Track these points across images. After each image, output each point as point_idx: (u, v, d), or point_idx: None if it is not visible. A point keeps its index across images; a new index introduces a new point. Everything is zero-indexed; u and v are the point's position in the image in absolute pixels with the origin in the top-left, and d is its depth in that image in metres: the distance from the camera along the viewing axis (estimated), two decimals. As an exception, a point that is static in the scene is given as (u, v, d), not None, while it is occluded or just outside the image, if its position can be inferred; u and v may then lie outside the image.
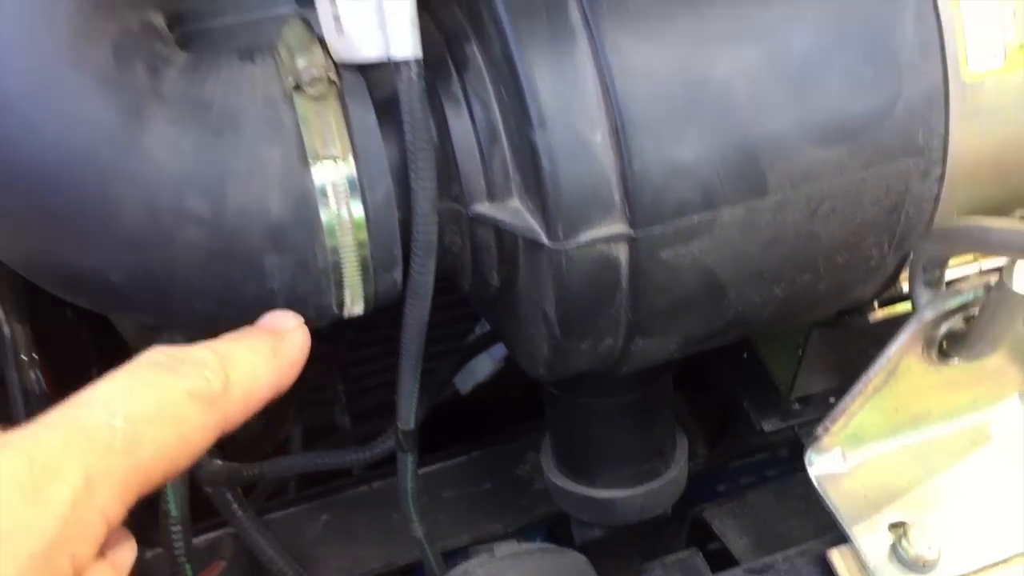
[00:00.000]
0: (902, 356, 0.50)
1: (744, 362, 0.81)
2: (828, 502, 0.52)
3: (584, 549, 0.93)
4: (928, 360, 0.52)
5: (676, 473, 0.75)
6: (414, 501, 0.75)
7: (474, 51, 0.54)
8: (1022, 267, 0.45)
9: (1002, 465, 0.54)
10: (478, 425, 0.98)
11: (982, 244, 0.48)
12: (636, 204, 0.50)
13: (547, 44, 0.49)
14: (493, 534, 0.91)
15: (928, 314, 0.49)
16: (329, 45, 0.54)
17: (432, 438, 1.02)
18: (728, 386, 0.85)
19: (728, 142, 0.50)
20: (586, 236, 0.51)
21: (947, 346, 0.51)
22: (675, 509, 0.79)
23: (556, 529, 0.96)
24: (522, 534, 0.96)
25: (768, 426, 0.82)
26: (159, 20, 0.54)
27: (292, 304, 0.55)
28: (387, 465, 0.96)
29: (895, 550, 0.50)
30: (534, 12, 0.49)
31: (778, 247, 0.54)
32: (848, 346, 0.69)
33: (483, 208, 0.55)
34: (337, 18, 0.53)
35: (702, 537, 0.69)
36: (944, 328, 0.51)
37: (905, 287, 0.59)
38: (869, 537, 0.51)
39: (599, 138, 0.49)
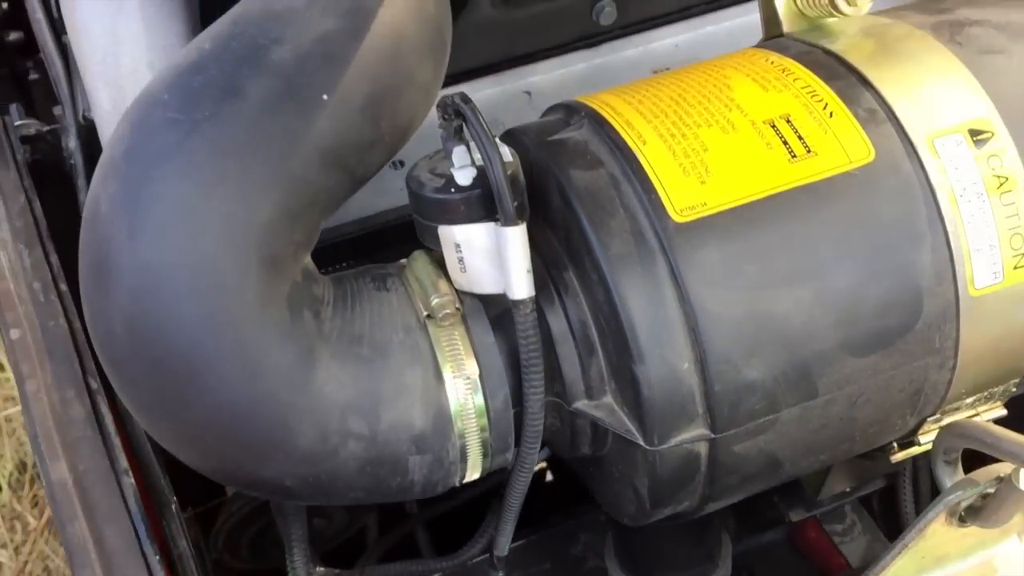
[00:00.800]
0: (929, 526, 0.63)
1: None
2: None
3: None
4: (950, 525, 0.64)
5: (723, 571, 0.88)
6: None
7: (571, 278, 0.66)
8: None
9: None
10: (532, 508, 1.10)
11: (992, 448, 0.60)
12: (716, 415, 0.62)
13: (642, 292, 0.61)
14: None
15: (952, 499, 0.62)
16: (453, 278, 0.66)
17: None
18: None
19: (787, 362, 0.62)
20: (675, 440, 0.63)
21: (966, 515, 0.64)
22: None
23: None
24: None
25: (795, 516, 0.95)
26: (310, 261, 0.65)
27: (426, 488, 0.67)
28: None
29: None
30: (629, 265, 0.61)
31: (825, 431, 0.66)
32: (872, 464, 0.82)
33: (582, 405, 0.67)
34: (461, 260, 0.64)
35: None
36: (964, 504, 0.63)
37: (920, 438, 0.72)
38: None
39: (686, 366, 0.61)
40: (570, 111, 0.70)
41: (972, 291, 0.64)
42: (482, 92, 1.01)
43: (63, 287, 0.80)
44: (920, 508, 0.97)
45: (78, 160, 0.87)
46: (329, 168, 0.62)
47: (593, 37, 1.02)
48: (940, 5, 0.73)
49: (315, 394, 0.61)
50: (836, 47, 0.69)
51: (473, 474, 0.69)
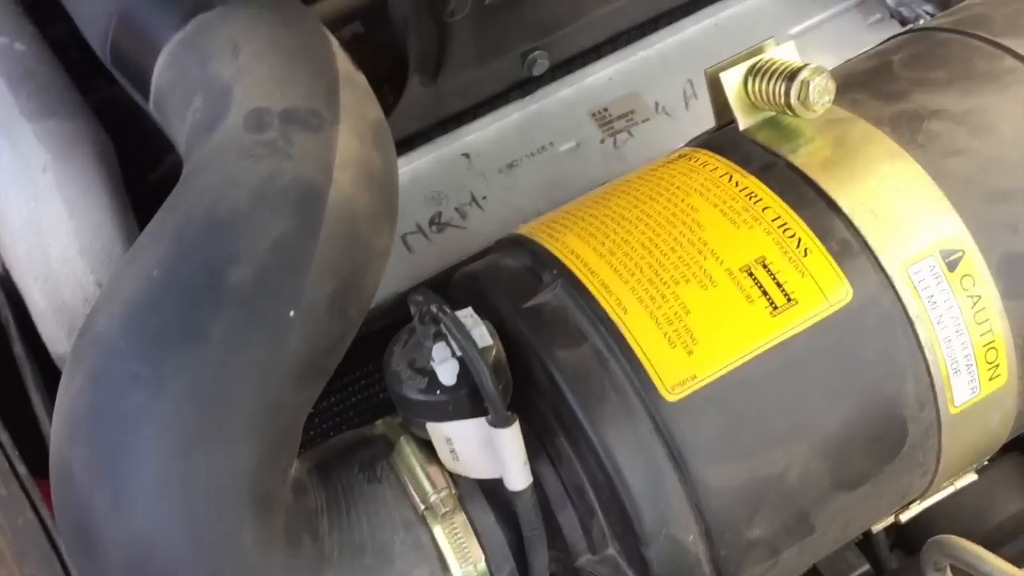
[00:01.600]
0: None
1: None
2: None
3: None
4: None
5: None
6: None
7: (563, 444, 0.65)
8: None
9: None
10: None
11: (972, 568, 0.63)
12: (722, 574, 0.63)
13: (644, 476, 0.60)
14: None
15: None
16: (443, 461, 0.65)
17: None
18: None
19: (787, 513, 0.63)
20: (680, 607, 0.64)
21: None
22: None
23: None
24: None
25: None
26: (296, 468, 0.63)
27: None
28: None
29: None
30: (627, 450, 0.60)
31: (820, 552, 0.68)
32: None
33: (586, 560, 0.67)
34: (453, 452, 0.63)
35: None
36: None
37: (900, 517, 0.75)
38: None
39: (691, 538, 0.62)
40: (538, 261, 0.68)
41: (952, 409, 0.66)
42: (419, 161, 0.97)
43: (21, 469, 0.76)
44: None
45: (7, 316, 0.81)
46: (306, 382, 0.59)
47: (526, 86, 0.98)
48: (894, 86, 0.72)
49: None
50: (798, 159, 0.68)
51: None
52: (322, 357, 0.60)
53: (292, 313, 0.57)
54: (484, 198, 0.99)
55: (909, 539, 0.94)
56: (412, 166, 0.96)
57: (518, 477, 0.61)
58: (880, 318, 0.64)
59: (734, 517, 0.62)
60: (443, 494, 0.63)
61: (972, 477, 0.76)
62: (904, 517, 0.74)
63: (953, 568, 0.68)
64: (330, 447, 0.69)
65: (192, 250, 0.57)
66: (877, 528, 0.75)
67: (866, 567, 0.91)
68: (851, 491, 0.65)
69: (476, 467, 0.63)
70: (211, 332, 0.56)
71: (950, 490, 0.76)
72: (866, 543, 0.94)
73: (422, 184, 0.98)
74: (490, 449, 0.62)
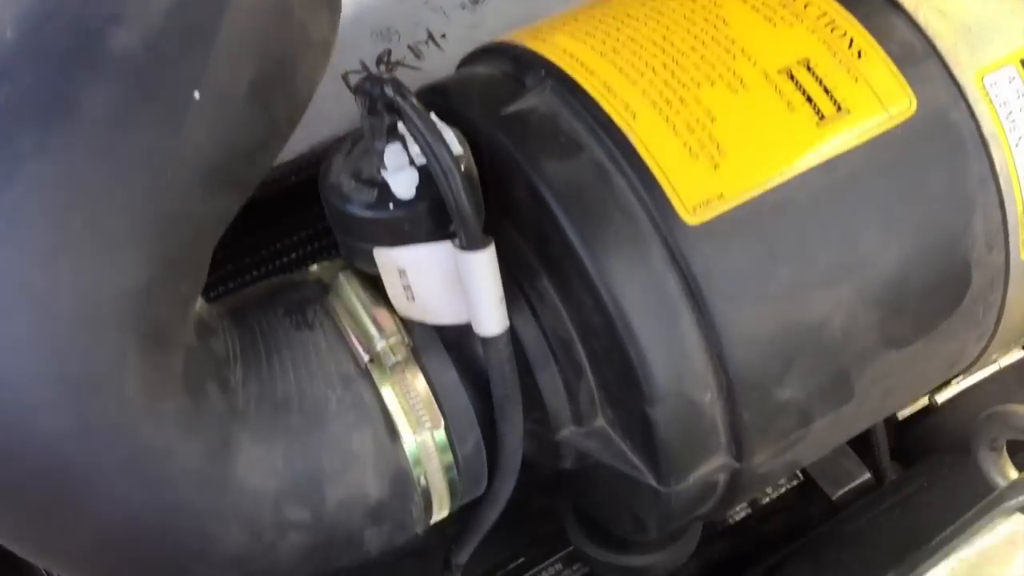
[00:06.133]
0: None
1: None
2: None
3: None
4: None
5: (695, 526, 0.80)
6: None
7: (547, 287, 0.52)
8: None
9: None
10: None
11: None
12: (743, 443, 0.51)
13: (654, 321, 0.47)
14: (503, 563, 0.95)
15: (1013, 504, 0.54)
16: (396, 306, 0.51)
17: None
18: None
19: (825, 371, 0.51)
20: (694, 477, 0.52)
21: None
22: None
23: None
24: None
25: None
26: (201, 304, 0.49)
27: (383, 550, 0.55)
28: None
29: None
30: (633, 287, 0.47)
31: (854, 427, 0.56)
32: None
33: (569, 433, 0.54)
34: (408, 288, 0.49)
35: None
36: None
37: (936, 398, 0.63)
38: None
39: (708, 397, 0.49)
40: (520, 64, 0.53)
41: (1023, 254, 0.54)
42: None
43: None
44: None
45: None
46: (214, 189, 0.45)
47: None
48: None
49: (238, 490, 0.47)
50: (845, -52, 0.54)
51: (439, 517, 0.56)
52: (239, 161, 0.46)
53: (197, 95, 0.43)
54: (443, 36, 0.83)
55: (908, 451, 0.83)
56: (363, -4, 0.81)
57: (491, 318, 0.48)
58: (948, 136, 0.51)
59: (763, 373, 0.49)
60: (392, 340, 0.50)
61: (1019, 353, 0.64)
62: (940, 398, 0.63)
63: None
64: (247, 293, 0.54)
65: (60, 5, 0.42)
66: (907, 412, 0.63)
67: (867, 476, 0.80)
68: (900, 349, 0.53)
69: (437, 308, 0.50)
70: (83, 106, 0.41)
71: (993, 368, 0.64)
72: (865, 450, 0.83)
73: (370, 17, 0.82)
74: (456, 283, 0.48)
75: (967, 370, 0.60)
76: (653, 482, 0.52)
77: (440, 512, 0.55)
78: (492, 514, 0.58)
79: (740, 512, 0.86)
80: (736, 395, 0.49)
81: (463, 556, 0.67)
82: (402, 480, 0.51)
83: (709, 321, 0.47)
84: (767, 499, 0.87)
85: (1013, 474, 0.55)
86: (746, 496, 0.55)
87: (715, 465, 0.52)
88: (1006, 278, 0.54)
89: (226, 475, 0.46)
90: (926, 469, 0.75)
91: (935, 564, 0.57)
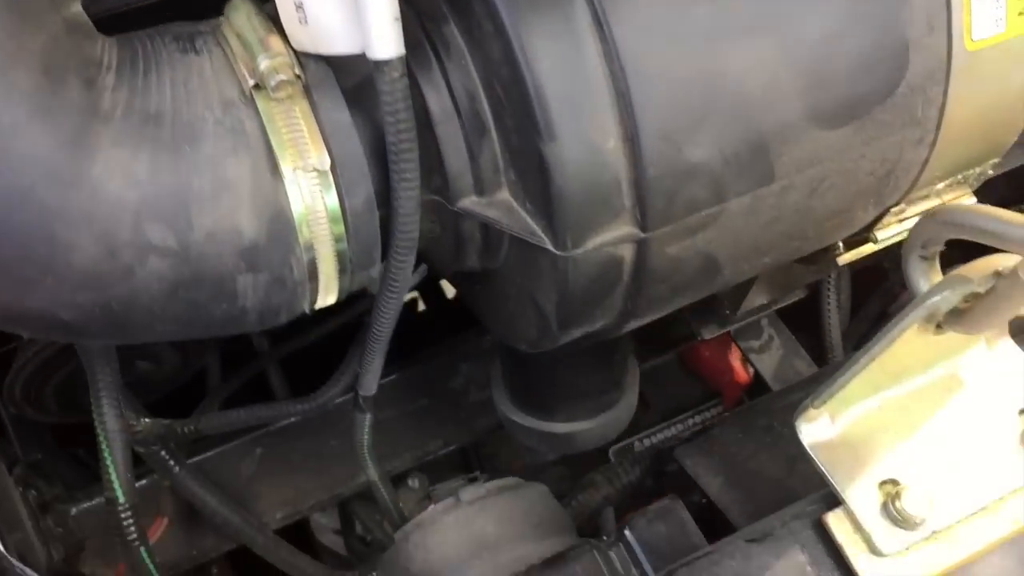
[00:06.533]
0: (904, 334, 0.51)
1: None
2: (821, 468, 0.54)
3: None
4: (923, 332, 0.53)
5: (630, 398, 0.76)
6: (370, 452, 0.73)
7: (454, 34, 0.48)
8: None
9: (976, 409, 0.57)
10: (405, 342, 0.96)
11: (992, 236, 0.48)
12: (647, 208, 0.47)
13: (555, 46, 0.44)
14: (435, 452, 0.91)
15: (937, 300, 0.50)
16: (289, 34, 0.47)
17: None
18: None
19: (741, 137, 0.47)
20: (594, 242, 0.48)
21: (945, 320, 0.52)
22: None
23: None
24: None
25: (707, 333, 0.83)
26: (80, 11, 0.46)
27: (264, 316, 0.51)
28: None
29: (887, 508, 0.53)
30: (536, 9, 0.44)
31: (777, 225, 0.52)
32: (802, 271, 0.70)
33: (470, 203, 0.51)
34: (301, 8, 0.46)
35: (663, 462, 0.71)
36: (945, 308, 0.52)
37: (876, 234, 0.59)
38: (861, 498, 0.53)
39: (611, 144, 0.45)
40: None
41: (968, 43, 0.50)
42: None
43: None
44: (844, 319, 0.88)
45: None
46: None
47: None
48: None
49: (93, 193, 0.43)
50: None
51: (328, 297, 0.52)
52: None
53: None
54: None
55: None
56: None
57: (385, 39, 0.44)
58: None
59: (671, 123, 0.45)
60: (278, 60, 0.46)
61: (969, 198, 0.60)
62: (881, 235, 0.59)
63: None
64: (141, 30, 0.51)
65: None
66: (848, 257, 0.59)
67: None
68: (827, 130, 0.49)
69: (330, 33, 0.46)
70: None
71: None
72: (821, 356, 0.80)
73: None
74: (351, 6, 0.44)
75: (907, 193, 0.57)
76: (551, 246, 0.48)
77: (328, 289, 0.51)
78: (390, 307, 0.54)
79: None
80: (642, 144, 0.45)
81: (368, 383, 0.63)
82: (281, 223, 0.47)
83: (615, 53, 0.44)
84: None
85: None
86: (655, 289, 0.51)
87: (618, 233, 0.48)
88: (948, 69, 0.50)
89: (80, 172, 0.43)
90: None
91: (856, 374, 0.53)
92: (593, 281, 0.50)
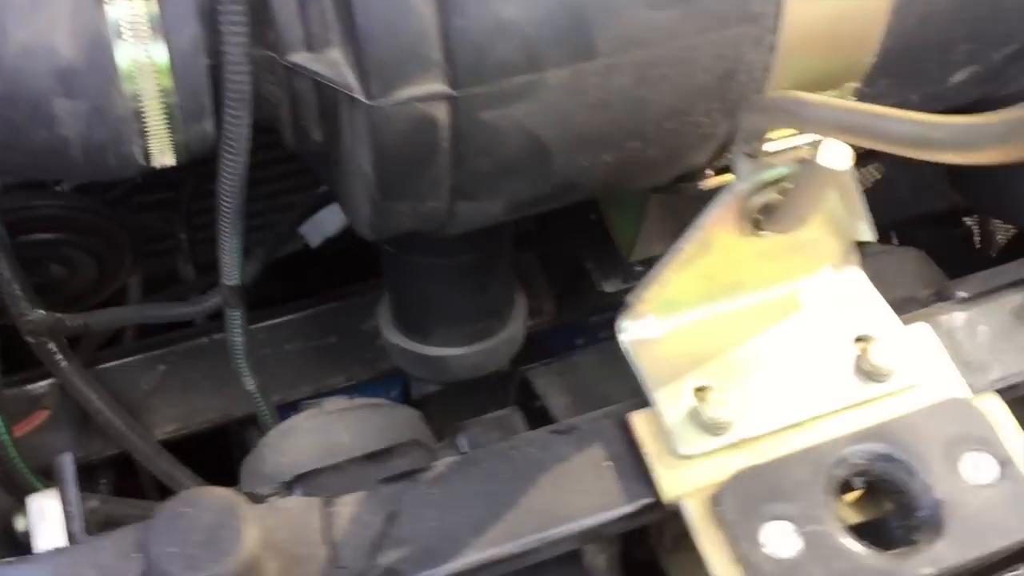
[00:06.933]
0: (716, 227, 0.50)
1: (591, 225, 0.80)
2: (635, 366, 0.53)
3: (421, 403, 0.94)
4: (742, 232, 0.52)
5: (512, 332, 0.75)
6: (245, 356, 0.73)
7: None
8: (829, 143, 0.45)
9: (812, 332, 0.55)
10: (330, 280, 0.96)
11: (796, 119, 0.47)
12: (457, 63, 0.47)
13: None
14: (335, 387, 0.90)
15: (740, 186, 0.49)
16: None
17: (283, 291, 1.01)
18: (575, 247, 0.85)
19: (556, 0, 0.47)
20: (403, 94, 0.48)
21: (761, 218, 0.51)
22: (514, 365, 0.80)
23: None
24: (380, 388, 0.95)
25: (609, 287, 0.83)
26: None
27: (89, 153, 0.51)
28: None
29: (694, 413, 0.51)
30: None
31: (605, 112, 0.52)
32: (685, 212, 0.69)
33: (300, 58, 0.51)
34: None
35: (528, 396, 0.70)
36: (758, 201, 0.51)
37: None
38: (671, 401, 0.52)
39: None
40: None
41: (804, -62, 0.50)
42: None
43: None
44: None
45: None
46: None
47: None
48: None
49: None
50: None
51: (163, 154, 0.53)
52: None
53: None
54: None
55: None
56: None
57: None
58: None
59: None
60: None
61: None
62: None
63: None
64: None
65: None
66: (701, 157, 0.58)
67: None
68: (651, 9, 0.49)
69: None
70: None
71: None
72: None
73: None
74: None
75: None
76: (361, 95, 0.48)
77: (159, 137, 0.52)
78: (232, 170, 0.54)
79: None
80: (446, -7, 0.45)
81: (229, 270, 0.64)
82: (99, 48, 0.48)
83: None
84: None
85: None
86: (478, 163, 0.50)
87: (429, 89, 0.48)
88: (785, -40, 0.50)
89: None
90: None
91: (669, 266, 0.52)
92: (408, 141, 0.50)
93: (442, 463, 0.51)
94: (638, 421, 0.52)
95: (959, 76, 0.61)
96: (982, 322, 0.58)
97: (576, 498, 0.51)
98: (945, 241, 1.04)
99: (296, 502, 0.50)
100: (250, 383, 0.76)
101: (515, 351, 0.77)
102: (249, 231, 0.62)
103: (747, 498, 0.48)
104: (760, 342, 0.55)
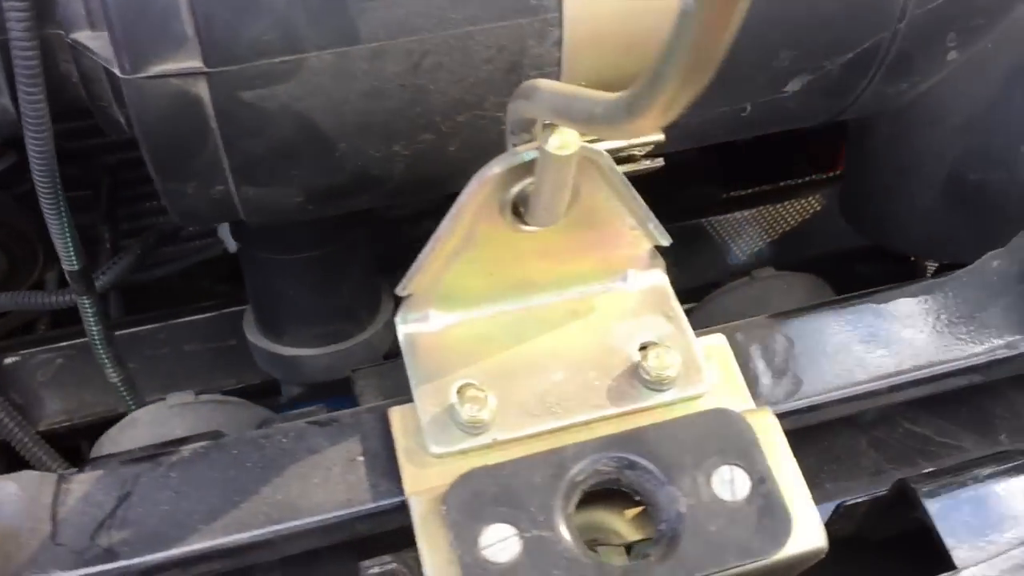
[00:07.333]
0: (473, 216, 0.48)
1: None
2: (406, 359, 0.51)
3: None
4: (506, 223, 0.50)
5: (370, 336, 0.74)
6: (104, 346, 0.74)
7: None
8: (560, 129, 0.43)
9: (596, 338, 0.53)
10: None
11: (534, 105, 0.45)
12: (209, 40, 0.47)
13: None
14: (226, 387, 0.90)
15: (488, 172, 0.47)
16: None
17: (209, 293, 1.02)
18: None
19: (309, -26, 0.47)
20: (157, 69, 0.48)
21: (523, 210, 0.50)
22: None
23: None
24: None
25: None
26: None
27: None
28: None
29: (452, 411, 0.49)
30: None
31: (382, 100, 0.51)
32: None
33: (83, 36, 0.51)
34: None
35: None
36: (515, 190, 0.49)
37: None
38: (433, 397, 0.50)
39: None
40: None
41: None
42: None
43: None
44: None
45: None
46: None
47: None
48: None
49: None
50: None
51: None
52: None
53: None
54: None
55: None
56: None
57: None
58: None
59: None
60: None
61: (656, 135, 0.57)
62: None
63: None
64: None
65: None
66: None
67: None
68: (417, -10, 0.48)
69: None
70: None
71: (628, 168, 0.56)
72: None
73: None
74: None
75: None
76: (118, 70, 0.48)
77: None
78: (39, 147, 0.55)
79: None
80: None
81: (65, 255, 0.64)
82: None
83: None
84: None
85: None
86: (250, 144, 0.50)
87: (183, 65, 0.48)
88: (561, -48, 0.49)
89: None
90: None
91: (430, 255, 0.50)
92: (170, 117, 0.50)
93: (189, 448, 0.50)
94: (397, 416, 0.50)
95: (794, 85, 0.59)
96: (798, 339, 0.55)
97: (320, 492, 0.49)
98: (880, 274, 1.00)
99: (30, 477, 0.49)
100: (113, 374, 0.76)
101: (375, 356, 0.76)
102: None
103: (474, 498, 0.45)
104: (541, 344, 0.53)
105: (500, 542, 0.44)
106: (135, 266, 0.79)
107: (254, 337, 0.75)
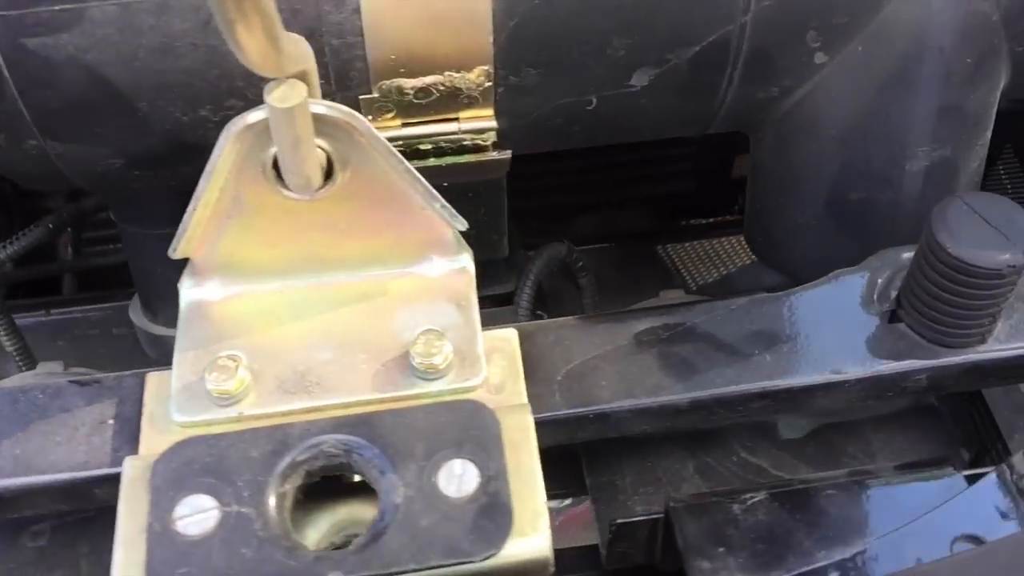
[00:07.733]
0: (235, 176, 0.46)
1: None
2: (179, 325, 0.49)
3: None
4: (273, 189, 0.48)
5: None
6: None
7: None
8: (290, 82, 0.41)
9: (377, 321, 0.49)
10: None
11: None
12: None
13: None
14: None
15: (233, 127, 0.44)
16: None
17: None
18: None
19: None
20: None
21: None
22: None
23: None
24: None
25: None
26: None
27: None
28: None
29: (204, 381, 0.47)
30: None
31: (177, 59, 0.50)
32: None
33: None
34: None
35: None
36: (273, 150, 0.46)
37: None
38: (190, 365, 0.48)
39: None
40: None
41: None
42: None
43: None
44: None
45: None
46: None
47: None
48: None
49: None
50: None
51: None
52: None
53: None
54: None
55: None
56: None
57: None
58: None
59: None
60: None
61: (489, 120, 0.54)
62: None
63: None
64: None
65: None
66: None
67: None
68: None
69: None
70: None
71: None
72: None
73: None
74: None
75: (366, 80, 0.52)
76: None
77: None
78: None
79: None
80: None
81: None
82: None
83: None
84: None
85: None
86: (43, 96, 0.49)
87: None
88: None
89: None
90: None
91: (195, 214, 0.48)
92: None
93: (-63, 398, 0.49)
94: (153, 381, 0.49)
95: (639, 79, 0.55)
96: (603, 345, 0.51)
97: (60, 451, 0.47)
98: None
99: None
100: (7, 343, 0.77)
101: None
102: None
103: (183, 467, 0.43)
104: (319, 322, 0.50)
105: (197, 514, 0.42)
106: (40, 243, 0.80)
107: (135, 317, 0.74)
